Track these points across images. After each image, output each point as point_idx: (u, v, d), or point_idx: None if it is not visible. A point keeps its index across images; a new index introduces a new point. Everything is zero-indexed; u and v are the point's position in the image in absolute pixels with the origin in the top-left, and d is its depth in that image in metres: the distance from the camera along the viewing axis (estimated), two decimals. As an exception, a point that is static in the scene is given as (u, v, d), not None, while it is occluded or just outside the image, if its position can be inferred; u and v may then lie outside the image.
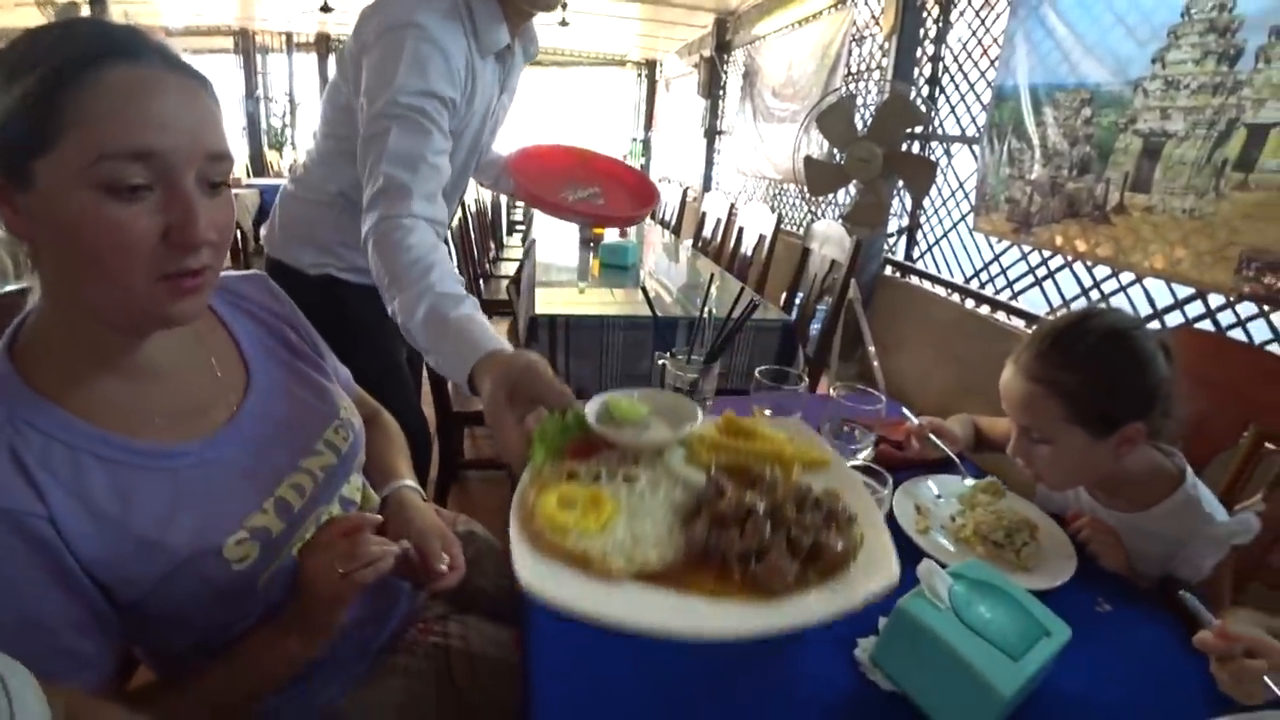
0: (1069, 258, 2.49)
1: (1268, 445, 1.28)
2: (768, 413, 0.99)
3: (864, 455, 0.91)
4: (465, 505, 2.42)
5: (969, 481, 1.12)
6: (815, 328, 2.60)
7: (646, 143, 8.15)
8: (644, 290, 1.36)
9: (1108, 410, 0.96)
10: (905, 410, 1.25)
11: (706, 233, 3.76)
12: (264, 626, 0.74)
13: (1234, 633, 0.72)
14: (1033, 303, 2.60)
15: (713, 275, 1.62)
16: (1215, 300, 2.07)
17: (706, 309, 1.34)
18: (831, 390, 1.10)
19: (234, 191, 0.72)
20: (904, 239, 3.23)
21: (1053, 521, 1.07)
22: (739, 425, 0.73)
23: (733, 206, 3.45)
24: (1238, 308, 2.02)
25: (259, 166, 7.51)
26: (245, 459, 0.73)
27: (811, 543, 0.55)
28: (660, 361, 1.30)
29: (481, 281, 3.68)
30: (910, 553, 0.99)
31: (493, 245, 4.72)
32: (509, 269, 4.14)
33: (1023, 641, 0.71)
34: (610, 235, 2.89)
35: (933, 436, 1.18)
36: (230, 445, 0.73)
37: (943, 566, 0.77)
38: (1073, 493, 1.11)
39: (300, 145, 7.57)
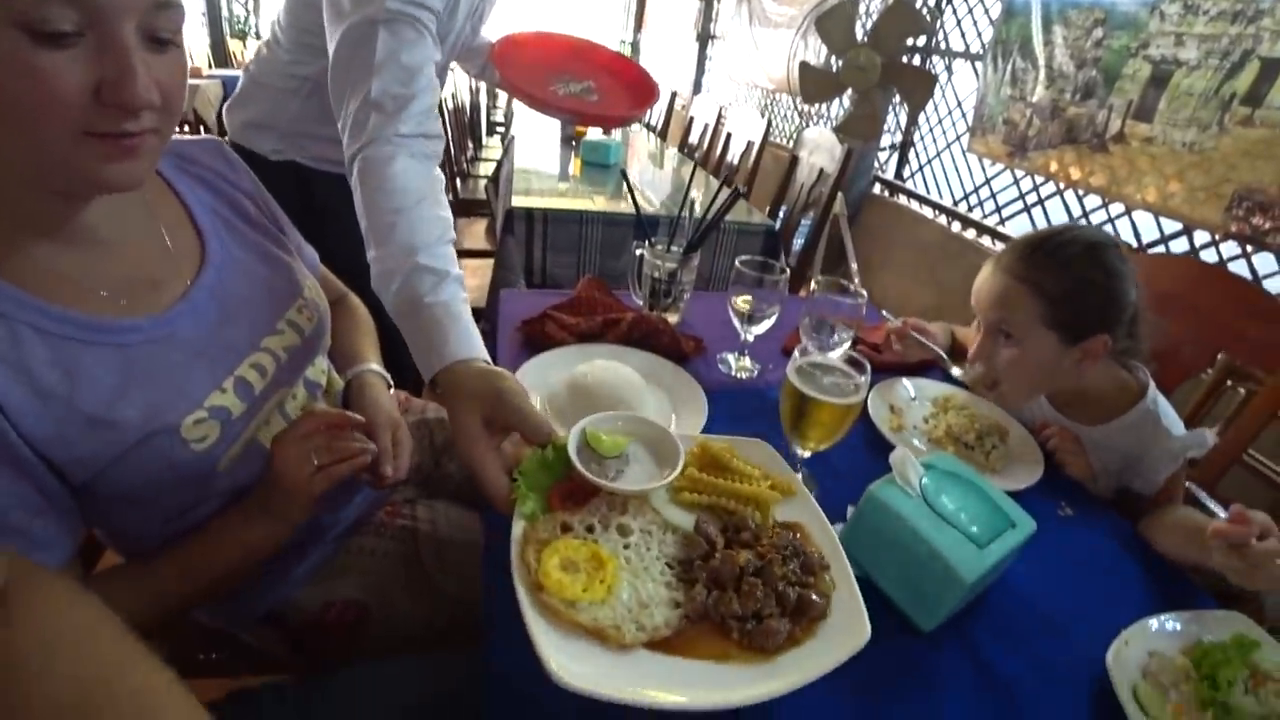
0: (1061, 185, 2.43)
1: (1229, 383, 1.29)
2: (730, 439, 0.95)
3: (840, 351, 0.88)
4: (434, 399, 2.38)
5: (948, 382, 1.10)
6: (799, 243, 2.54)
7: (635, 45, 7.70)
8: (625, 176, 1.27)
9: (1080, 317, 0.96)
10: (885, 313, 1.21)
11: (693, 139, 3.60)
12: (228, 512, 0.72)
13: (1249, 514, 0.72)
14: (1020, 229, 2.55)
15: (695, 164, 1.51)
16: (1201, 238, 2.05)
17: (688, 201, 1.27)
18: (812, 284, 1.05)
19: (195, 83, 0.62)
20: (895, 157, 3.12)
21: (1022, 428, 1.06)
22: (713, 455, 0.74)
23: (721, 111, 3.28)
24: (1222, 247, 2.00)
25: (220, 56, 6.93)
26: (201, 336, 0.68)
27: (796, 598, 0.60)
28: (639, 252, 1.23)
29: (459, 180, 3.51)
30: (883, 448, 0.97)
31: (471, 145, 4.49)
32: (487, 169, 3.94)
33: (988, 531, 0.69)
34: (593, 133, 2.74)
35: (915, 334, 1.16)
36: (184, 321, 0.67)
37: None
38: (1036, 406, 1.10)
39: (265, 34, 6.95)
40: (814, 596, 0.61)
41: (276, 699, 0.72)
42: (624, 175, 1.28)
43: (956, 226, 2.72)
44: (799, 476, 0.78)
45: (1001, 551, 0.68)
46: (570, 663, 0.53)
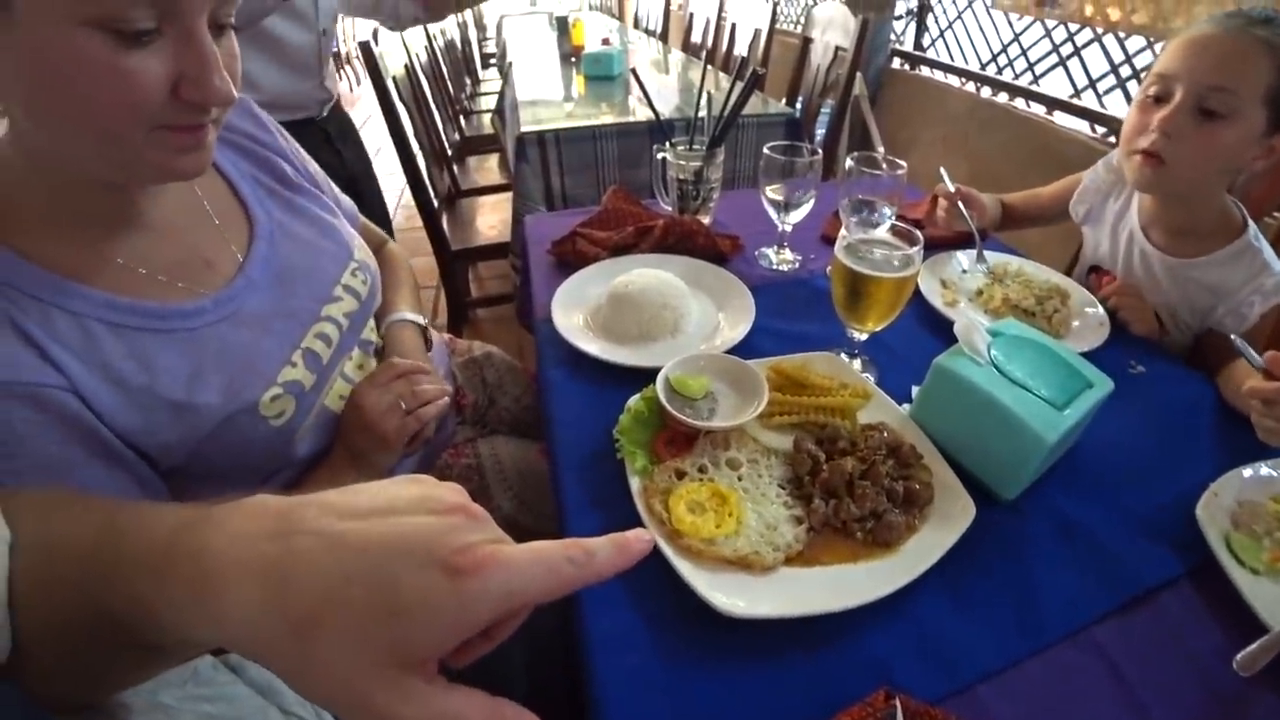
0: (1099, 30, 2.19)
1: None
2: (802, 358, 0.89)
3: (883, 229, 0.81)
4: (470, 332, 2.39)
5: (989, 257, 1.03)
6: (821, 132, 2.38)
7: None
8: (635, 74, 1.17)
9: None
10: (944, 175, 1.13)
11: (695, 37, 3.36)
12: (317, 469, 0.73)
13: None
14: (1056, 86, 2.35)
15: (705, 62, 1.39)
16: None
17: (704, 94, 1.17)
18: (847, 164, 0.97)
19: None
20: (913, 24, 2.86)
21: (1082, 288, 0.99)
22: (789, 375, 0.75)
23: (722, 2, 3.03)
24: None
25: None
26: (264, 311, 0.67)
27: (903, 490, 0.63)
28: (660, 155, 1.16)
29: (463, 119, 3.38)
30: (938, 325, 0.92)
31: (468, 81, 4.30)
32: (489, 103, 3.78)
33: (1064, 393, 0.65)
34: (593, 45, 2.57)
35: (961, 206, 1.08)
36: (245, 297, 0.66)
37: (979, 326, 0.69)
38: (1125, 239, 1.01)
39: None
40: (917, 486, 0.63)
41: None
42: (634, 74, 1.19)
43: (986, 92, 2.51)
44: (870, 379, 0.77)
45: (1080, 412, 0.64)
46: (730, 596, 0.55)
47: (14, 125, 0.53)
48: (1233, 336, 0.71)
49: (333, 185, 0.89)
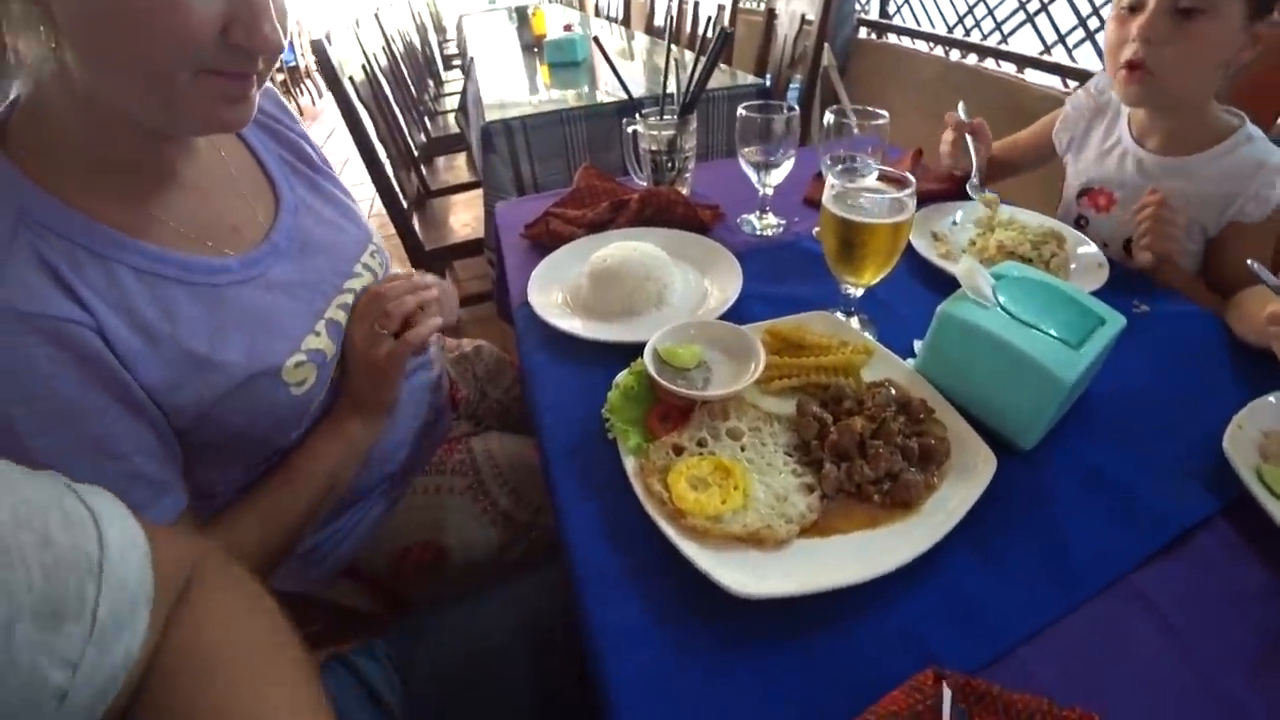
0: (1062, -17, 2.16)
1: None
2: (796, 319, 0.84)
3: (871, 179, 0.77)
4: (448, 329, 2.32)
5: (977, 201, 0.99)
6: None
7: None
8: (598, 43, 1.11)
9: None
10: (961, 109, 1.10)
11: (658, 20, 3.30)
12: (319, 424, 0.71)
13: None
14: (1024, 43, 2.32)
15: (669, 43, 1.33)
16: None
17: (670, 62, 1.12)
18: (828, 116, 0.93)
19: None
20: (877, -6, 2.83)
21: (1077, 231, 0.95)
22: (785, 335, 0.71)
23: (684, -18, 2.98)
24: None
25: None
26: (289, 279, 0.67)
27: (918, 447, 0.59)
28: (630, 128, 1.10)
29: (428, 120, 3.30)
30: (933, 279, 0.88)
31: (431, 84, 4.20)
32: (453, 103, 3.70)
33: (1078, 330, 0.61)
34: (555, 31, 2.50)
35: (969, 139, 1.04)
36: (270, 263, 0.66)
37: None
38: (1117, 156, 0.98)
39: None
40: (933, 441, 0.59)
41: (370, 658, 0.69)
42: (598, 43, 1.13)
43: (955, 55, 2.48)
44: (868, 335, 0.72)
45: (1096, 349, 0.60)
46: (743, 576, 0.51)
47: (65, 69, 0.51)
48: (1250, 263, 0.67)
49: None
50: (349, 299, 0.73)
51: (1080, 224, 1.02)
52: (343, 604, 0.92)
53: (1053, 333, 0.60)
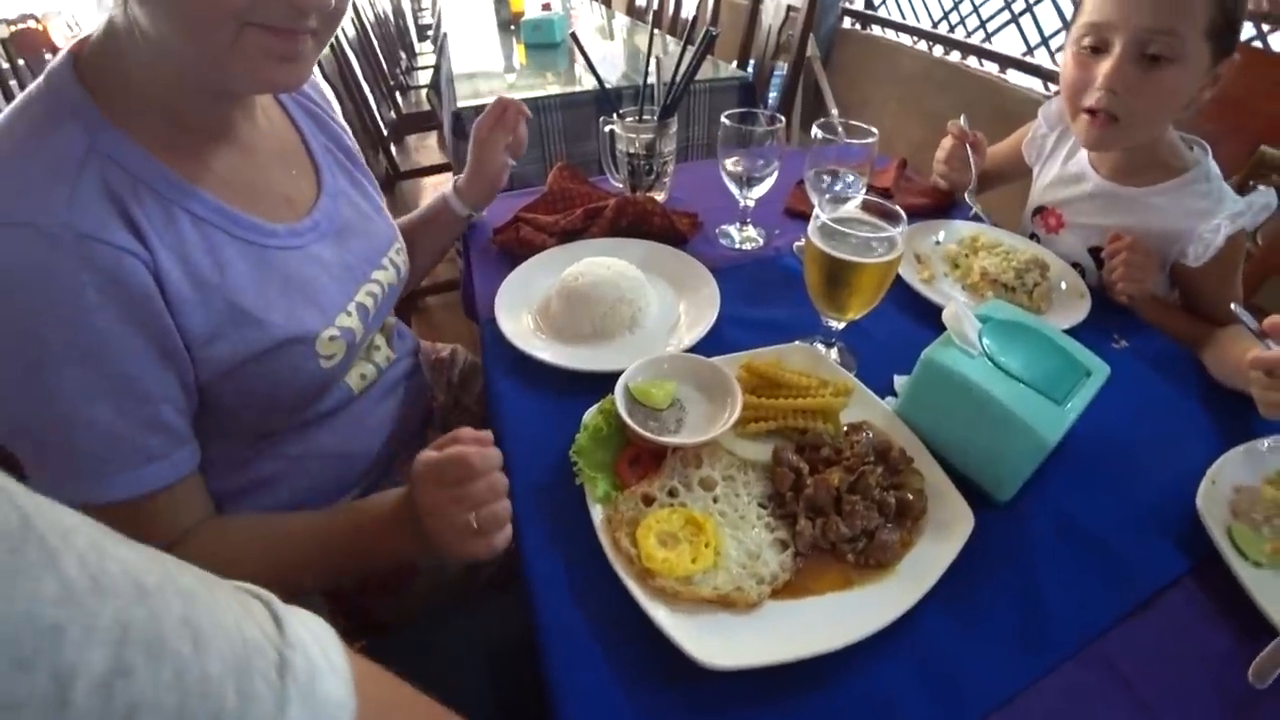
0: (1049, -17, 2.14)
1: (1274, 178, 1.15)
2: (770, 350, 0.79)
3: (855, 204, 0.73)
4: (427, 333, 2.26)
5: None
6: (773, 96, 2.29)
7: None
8: (575, 39, 1.05)
9: (1233, 24, 0.77)
10: (964, 120, 1.08)
11: (640, 1, 3.20)
12: (384, 516, 0.62)
13: None
14: (1009, 44, 2.30)
15: (651, 26, 1.27)
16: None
17: (652, 59, 1.07)
18: (815, 130, 0.89)
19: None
20: (864, -17, 2.77)
21: (1060, 259, 0.93)
22: (762, 372, 0.67)
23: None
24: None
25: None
26: (328, 256, 0.69)
27: (895, 502, 0.57)
28: (607, 128, 1.05)
29: (399, 95, 3.16)
30: (917, 304, 0.85)
31: (404, 56, 4.03)
32: (426, 77, 3.55)
33: (1063, 383, 0.59)
34: (532, 10, 2.40)
35: (970, 150, 1.03)
36: (313, 238, 0.68)
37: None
38: (1073, 175, 0.96)
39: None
40: (910, 496, 0.58)
41: None
42: (574, 39, 1.06)
43: (939, 51, 2.45)
44: (850, 369, 0.70)
45: (1081, 405, 0.58)
46: (713, 645, 0.49)
47: (131, 13, 0.52)
48: (1234, 306, 0.66)
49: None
50: (375, 289, 0.74)
51: (1032, 239, 1.02)
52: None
53: (1039, 385, 0.58)
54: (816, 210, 0.66)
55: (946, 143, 1.08)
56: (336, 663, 0.26)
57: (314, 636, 0.26)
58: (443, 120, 2.08)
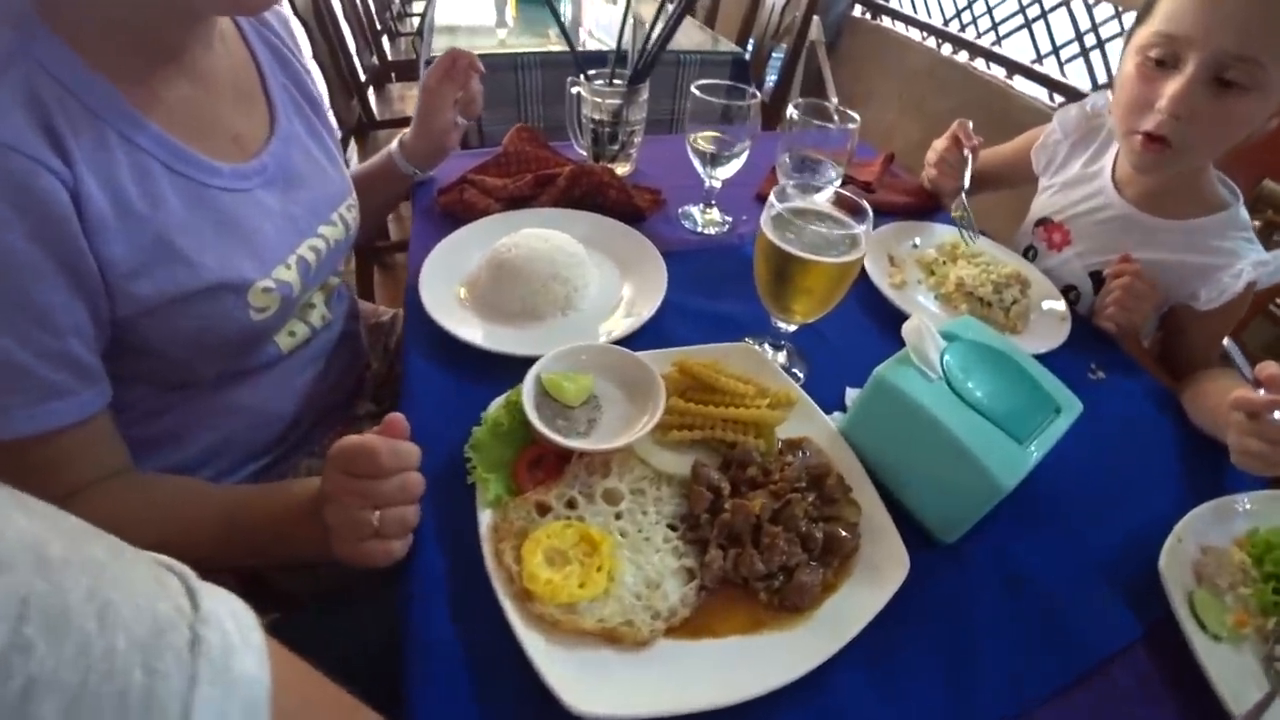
0: (1068, -11, 2.05)
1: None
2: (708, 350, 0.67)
3: (826, 195, 0.65)
4: (391, 293, 2.16)
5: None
6: (771, 79, 2.19)
7: None
8: (551, 7, 0.94)
9: None
10: (969, 127, 0.99)
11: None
12: (295, 508, 0.56)
13: None
14: (1018, 50, 2.20)
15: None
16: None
17: (628, 19, 0.97)
18: (790, 109, 0.80)
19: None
20: (879, -29, 2.65)
21: (1044, 277, 0.86)
22: (696, 374, 0.59)
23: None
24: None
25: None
26: (272, 203, 0.64)
27: (823, 537, 0.50)
28: (574, 90, 0.96)
29: (386, 39, 3.00)
30: (883, 310, 0.78)
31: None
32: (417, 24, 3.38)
33: (1028, 420, 0.52)
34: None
35: (968, 155, 0.94)
36: (258, 182, 0.63)
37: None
38: (1091, 192, 0.88)
39: None
40: (842, 532, 0.50)
41: None
42: (550, 7, 0.95)
43: (947, 49, 2.35)
44: (799, 378, 0.62)
45: (1047, 446, 0.51)
46: (586, 686, 0.42)
47: None
48: (1226, 341, 0.59)
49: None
50: (320, 244, 0.69)
51: (1027, 254, 0.94)
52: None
53: (1002, 420, 0.50)
54: (772, 197, 0.58)
55: (940, 143, 0.99)
56: (253, 640, 0.25)
57: (230, 613, 0.25)
58: (420, 72, 1.96)
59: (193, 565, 0.61)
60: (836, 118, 0.80)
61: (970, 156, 0.95)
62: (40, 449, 0.51)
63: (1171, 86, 0.69)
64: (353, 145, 2.07)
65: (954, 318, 0.75)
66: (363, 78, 2.24)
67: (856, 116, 0.79)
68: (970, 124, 0.99)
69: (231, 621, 0.24)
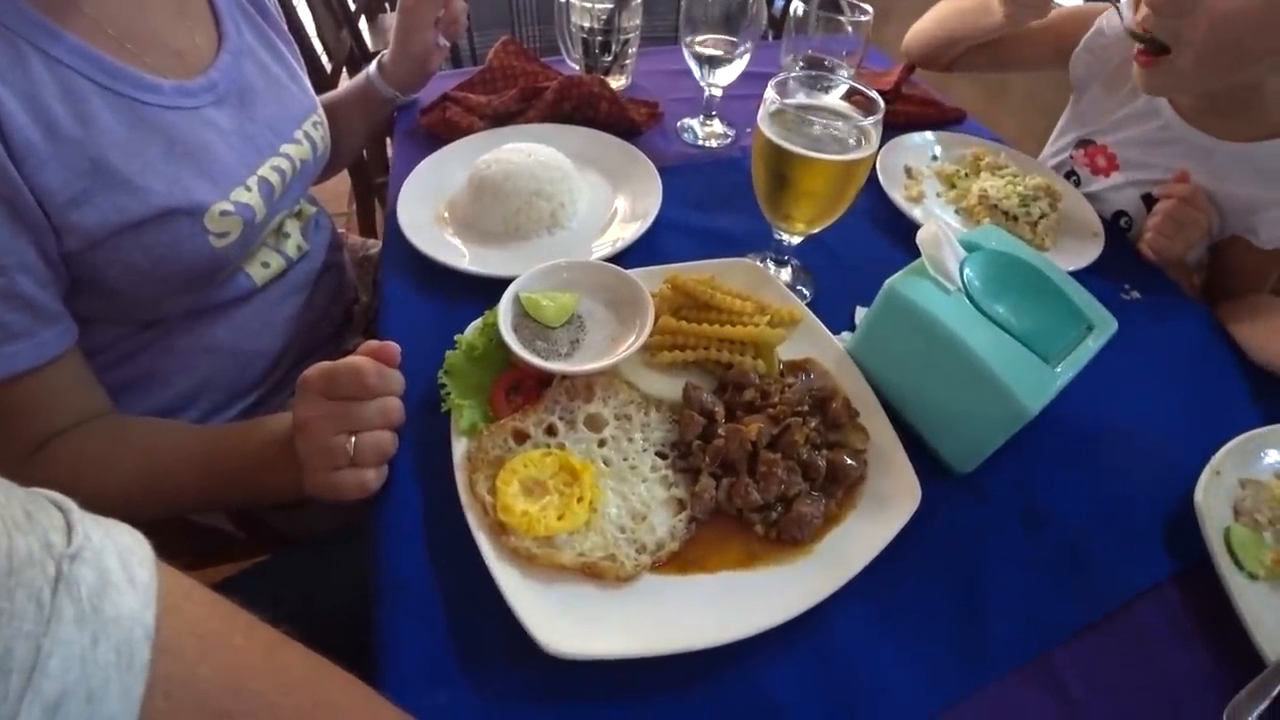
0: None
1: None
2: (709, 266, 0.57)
3: (834, 96, 0.57)
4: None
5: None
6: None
7: None
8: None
9: None
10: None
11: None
12: (268, 449, 0.53)
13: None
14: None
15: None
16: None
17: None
18: (797, 2, 0.71)
19: None
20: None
21: (1075, 189, 0.78)
22: (690, 290, 0.53)
23: None
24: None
25: None
26: (224, 122, 0.60)
27: (826, 464, 0.45)
28: (561, -1, 0.86)
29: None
30: (898, 226, 0.70)
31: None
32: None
33: (1057, 338, 0.46)
34: None
35: None
36: (208, 99, 0.59)
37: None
38: (1141, 110, 0.76)
39: None
40: (847, 459, 0.45)
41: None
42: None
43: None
44: (805, 295, 0.56)
45: (1077, 367, 0.45)
46: (564, 625, 0.39)
47: None
48: None
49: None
50: (284, 164, 0.64)
51: (1066, 179, 0.82)
52: (199, 524, 0.79)
53: (1027, 337, 0.44)
54: (770, 91, 0.50)
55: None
56: (139, 577, 0.23)
57: (118, 548, 0.23)
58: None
59: (176, 508, 0.59)
60: (848, 9, 0.70)
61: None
62: (6, 394, 0.48)
63: None
64: (344, 79, 1.97)
65: (973, 230, 0.68)
66: (353, 6, 2.11)
67: (869, 8, 0.70)
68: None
69: (115, 558, 0.23)
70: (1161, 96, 0.71)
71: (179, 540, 0.78)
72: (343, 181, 2.03)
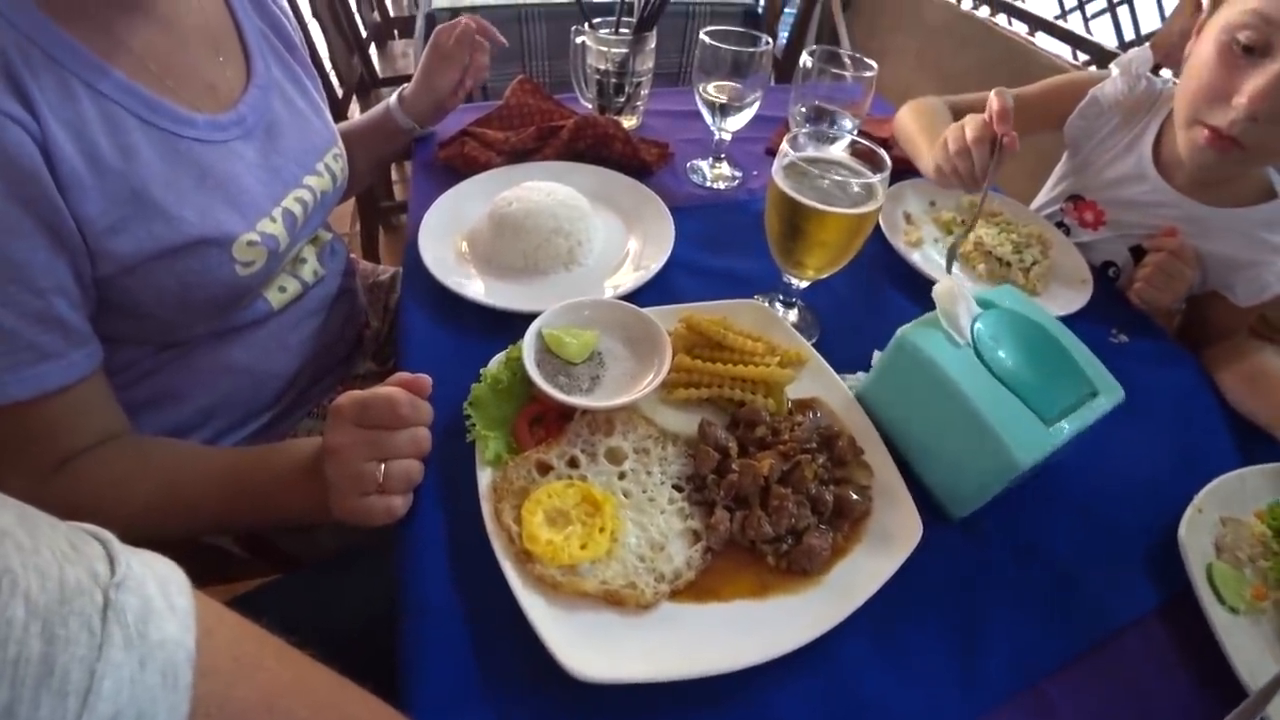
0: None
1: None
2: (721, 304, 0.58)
3: (841, 146, 0.61)
4: (395, 253, 2.12)
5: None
6: (783, 36, 2.10)
7: None
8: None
9: None
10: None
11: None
12: (293, 474, 0.54)
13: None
14: (1040, 4, 2.10)
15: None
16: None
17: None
18: (805, 57, 0.75)
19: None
20: (898, -78, 2.51)
21: (1065, 238, 0.82)
22: (704, 330, 0.56)
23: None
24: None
25: None
26: (252, 155, 0.62)
27: (833, 500, 0.48)
28: (578, 39, 0.90)
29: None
30: (899, 270, 0.74)
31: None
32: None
33: (1059, 401, 0.48)
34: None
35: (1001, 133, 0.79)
36: (237, 133, 0.61)
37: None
38: (1129, 168, 0.80)
39: None
40: (853, 494, 0.48)
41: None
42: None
43: (967, 3, 2.24)
44: (809, 343, 0.59)
45: (1076, 428, 0.47)
46: (588, 651, 0.40)
47: None
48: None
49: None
50: (306, 195, 0.66)
51: (1057, 227, 0.86)
52: (202, 543, 0.80)
53: (1029, 396, 0.47)
54: (785, 145, 0.54)
55: (973, 124, 0.69)
56: (178, 604, 0.24)
57: (156, 576, 0.24)
58: (419, 26, 1.88)
59: (195, 529, 0.60)
60: (852, 66, 0.74)
61: (1000, 151, 0.68)
62: (33, 414, 0.49)
63: (1257, 81, 0.59)
64: (354, 104, 2.01)
65: (973, 279, 0.72)
66: (364, 34, 2.16)
67: (874, 65, 0.74)
68: (1010, 100, 0.70)
69: (155, 585, 0.24)
70: (1205, 174, 0.72)
71: (179, 560, 0.80)
72: (346, 203, 2.07)
